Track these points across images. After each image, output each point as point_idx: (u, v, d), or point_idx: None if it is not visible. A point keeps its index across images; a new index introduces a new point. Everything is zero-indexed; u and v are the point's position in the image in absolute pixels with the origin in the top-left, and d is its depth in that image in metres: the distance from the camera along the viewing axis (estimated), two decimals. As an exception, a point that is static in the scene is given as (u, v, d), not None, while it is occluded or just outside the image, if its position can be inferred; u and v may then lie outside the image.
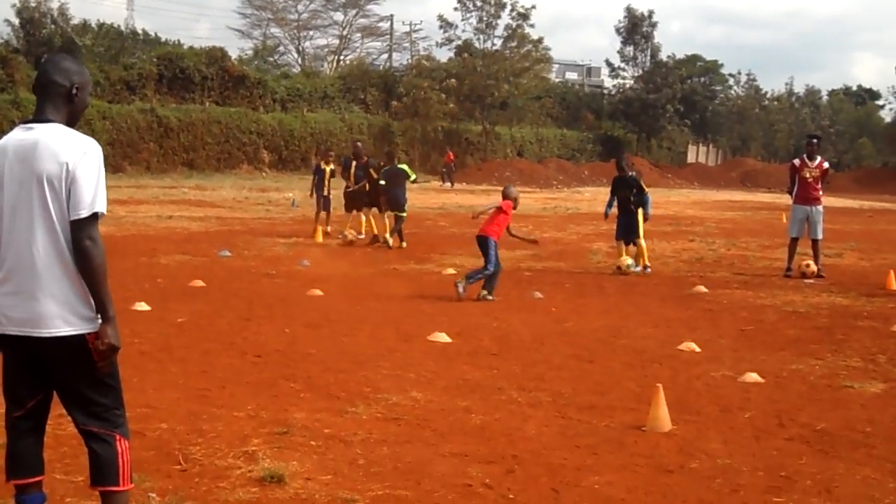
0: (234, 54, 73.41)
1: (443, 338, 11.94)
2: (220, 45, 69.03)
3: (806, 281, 18.86)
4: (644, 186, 19.54)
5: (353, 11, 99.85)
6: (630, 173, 19.55)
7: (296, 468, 6.87)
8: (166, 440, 7.44)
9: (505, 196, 16.38)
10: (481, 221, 16.44)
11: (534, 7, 73.39)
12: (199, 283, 15.97)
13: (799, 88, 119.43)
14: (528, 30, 74.01)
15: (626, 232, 19.49)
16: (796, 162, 20.28)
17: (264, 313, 13.47)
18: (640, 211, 19.35)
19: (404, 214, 23.69)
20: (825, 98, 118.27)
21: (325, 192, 25.82)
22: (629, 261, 18.95)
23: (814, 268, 19.47)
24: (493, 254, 15.75)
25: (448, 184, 59.73)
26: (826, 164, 20.36)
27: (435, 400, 8.99)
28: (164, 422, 7.89)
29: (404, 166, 24.93)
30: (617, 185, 19.89)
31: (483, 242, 15.91)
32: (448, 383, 9.70)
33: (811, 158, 19.89)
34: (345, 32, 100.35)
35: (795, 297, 16.76)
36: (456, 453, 7.41)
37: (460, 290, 15.41)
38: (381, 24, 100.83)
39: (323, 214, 25.71)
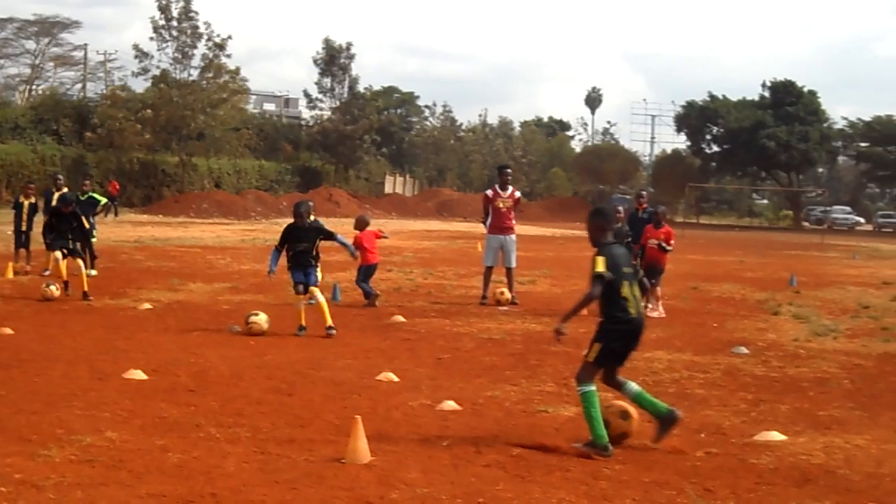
0: (-82, 84, 70.11)
1: (139, 375, 11.67)
2: None
3: (501, 308, 19.39)
4: (331, 231, 16.41)
5: (46, 40, 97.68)
6: (311, 219, 16.37)
7: (-18, 517, 6.58)
8: None
9: (365, 226, 20.00)
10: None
11: (230, 37, 72.62)
12: None
13: (493, 119, 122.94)
14: (224, 60, 73.33)
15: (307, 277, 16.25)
16: (489, 192, 20.83)
17: (-52, 355, 12.86)
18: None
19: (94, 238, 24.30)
20: (517, 129, 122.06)
21: (24, 228, 24.63)
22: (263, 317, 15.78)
23: (508, 295, 20.04)
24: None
25: (112, 215, 58.11)
26: (518, 194, 21.03)
27: (131, 440, 8.78)
28: None
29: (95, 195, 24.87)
30: (293, 234, 16.16)
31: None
32: (144, 422, 9.49)
33: (504, 188, 20.49)
34: (37, 61, 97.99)
35: (491, 324, 17.19)
36: (153, 494, 7.25)
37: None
38: (74, 54, 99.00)
39: (22, 251, 24.50)
